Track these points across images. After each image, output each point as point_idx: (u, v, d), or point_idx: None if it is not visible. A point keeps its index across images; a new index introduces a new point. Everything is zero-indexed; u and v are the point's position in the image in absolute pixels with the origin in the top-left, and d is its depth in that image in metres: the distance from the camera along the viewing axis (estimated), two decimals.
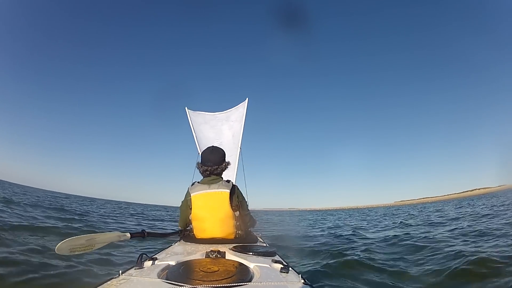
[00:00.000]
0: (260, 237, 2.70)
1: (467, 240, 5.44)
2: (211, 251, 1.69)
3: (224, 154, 2.43)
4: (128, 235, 1.97)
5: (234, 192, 2.26)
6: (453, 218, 10.58)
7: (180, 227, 2.47)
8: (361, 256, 4.62)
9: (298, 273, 1.46)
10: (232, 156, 4.82)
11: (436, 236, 6.27)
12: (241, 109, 5.21)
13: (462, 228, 7.27)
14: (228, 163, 2.42)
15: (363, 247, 5.56)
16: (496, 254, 3.94)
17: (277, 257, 1.76)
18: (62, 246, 1.58)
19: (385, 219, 14.87)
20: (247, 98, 5.21)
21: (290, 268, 1.50)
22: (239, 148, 4.74)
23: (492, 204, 16.50)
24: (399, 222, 11.27)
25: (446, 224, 8.92)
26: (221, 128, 5.29)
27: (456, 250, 4.41)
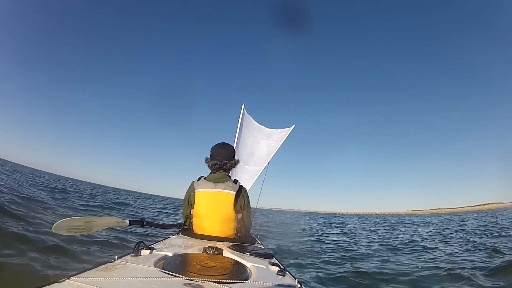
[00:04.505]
0: (258, 239, 2.67)
1: None
2: (209, 247, 1.68)
3: (234, 151, 2.38)
4: (127, 222, 1.95)
5: (240, 193, 2.21)
6: None
7: (183, 219, 2.43)
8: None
9: (295, 278, 1.43)
10: (258, 167, 5.01)
11: None
12: (284, 133, 5.38)
13: None
14: (238, 161, 2.37)
15: None
16: None
17: (274, 260, 1.75)
18: (60, 225, 1.57)
19: None
20: (293, 125, 5.33)
21: (287, 272, 1.48)
22: (267, 163, 4.89)
23: None
24: None
25: None
26: (260, 141, 5.47)
27: None
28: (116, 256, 1.39)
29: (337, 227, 15.70)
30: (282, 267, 1.54)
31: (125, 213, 10.53)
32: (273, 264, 1.58)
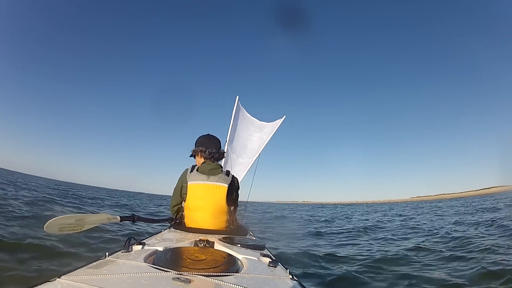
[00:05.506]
0: (250, 231, 2.69)
1: None
2: (200, 240, 1.68)
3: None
4: (118, 218, 1.95)
5: (234, 185, 2.22)
6: None
7: (171, 213, 2.42)
8: None
9: (286, 269, 1.45)
10: (249, 159, 5.05)
11: None
12: (275, 125, 5.41)
13: None
14: (224, 152, 2.44)
15: None
16: None
17: (266, 251, 1.76)
18: (51, 224, 1.56)
19: None
20: (284, 116, 5.34)
21: (278, 263, 1.49)
22: (258, 154, 4.93)
23: None
24: None
25: None
26: (253, 133, 5.51)
27: None
28: (107, 253, 1.38)
29: (338, 217, 15.87)
30: (274, 259, 1.55)
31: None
32: (265, 255, 1.58)
